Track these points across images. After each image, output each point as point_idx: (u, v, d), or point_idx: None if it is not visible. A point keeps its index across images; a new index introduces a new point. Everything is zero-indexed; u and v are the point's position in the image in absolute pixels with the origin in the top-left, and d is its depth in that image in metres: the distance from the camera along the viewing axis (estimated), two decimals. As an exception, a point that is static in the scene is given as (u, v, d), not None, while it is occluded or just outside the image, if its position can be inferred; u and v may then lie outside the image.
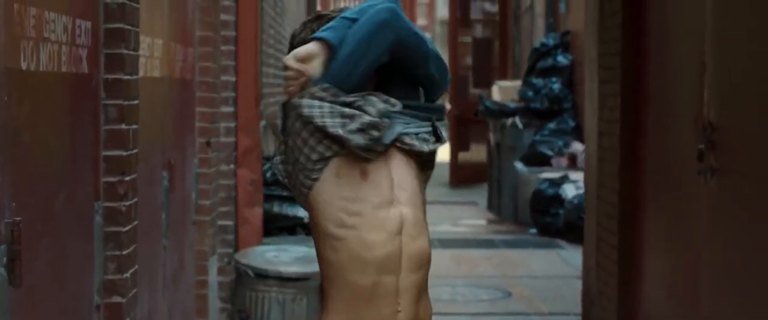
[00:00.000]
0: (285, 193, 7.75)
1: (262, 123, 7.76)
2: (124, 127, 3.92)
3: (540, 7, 17.25)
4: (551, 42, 15.13)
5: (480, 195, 16.57)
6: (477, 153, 18.23)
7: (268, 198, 7.60)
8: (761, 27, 4.74)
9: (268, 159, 7.87)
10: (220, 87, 6.81)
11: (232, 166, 7.08)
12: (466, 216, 15.19)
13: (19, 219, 2.84)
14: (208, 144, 6.47)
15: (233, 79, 7.09)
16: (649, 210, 6.45)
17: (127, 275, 3.99)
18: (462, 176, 18.42)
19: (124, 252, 3.95)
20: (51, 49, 3.21)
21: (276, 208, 7.69)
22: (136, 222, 4.12)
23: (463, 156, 18.53)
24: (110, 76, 3.86)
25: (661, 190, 6.23)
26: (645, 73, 6.47)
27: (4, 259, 2.76)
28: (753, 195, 4.82)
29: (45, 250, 3.24)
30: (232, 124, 7.06)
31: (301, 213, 7.76)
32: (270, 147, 8.16)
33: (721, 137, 5.17)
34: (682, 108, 5.72)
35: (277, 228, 7.65)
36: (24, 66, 2.97)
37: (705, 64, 5.35)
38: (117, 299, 3.93)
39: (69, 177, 3.55)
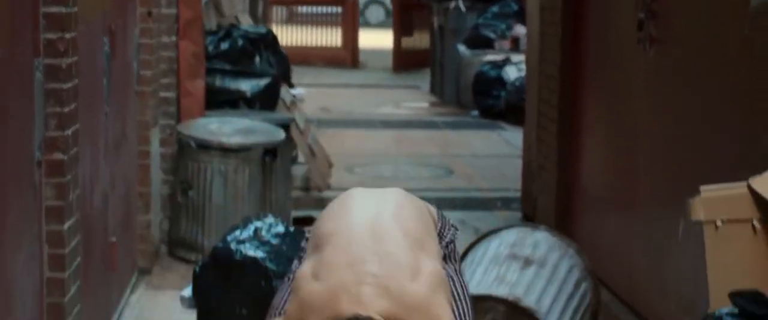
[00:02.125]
0: (228, 67, 7.73)
1: (204, -5, 7.69)
2: (63, -17, 3.88)
3: None
4: None
5: (423, 80, 16.59)
6: (420, 39, 18.17)
7: (211, 71, 7.57)
8: None
9: (209, 32, 7.83)
10: (161, -43, 6.74)
11: (173, 38, 7.03)
12: (409, 99, 15.22)
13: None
14: (149, 14, 6.42)
15: (174, -53, 7.01)
16: (589, 83, 6.51)
17: (68, 132, 3.98)
18: (405, 61, 18.39)
19: (65, 110, 3.94)
20: None
21: (218, 82, 7.66)
22: (76, 81, 4.10)
23: (406, 41, 18.48)
24: (49, -69, 3.81)
25: (601, 63, 6.28)
26: (587, -54, 6.48)
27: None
28: (689, 63, 4.87)
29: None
30: (174, -5, 7.00)
31: (244, 86, 7.75)
32: (212, 21, 8.10)
33: (661, 6, 5.20)
34: (624, -21, 5.75)
35: (219, 101, 7.63)
36: None
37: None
38: (58, 156, 3.93)
39: (7, 33, 3.53)
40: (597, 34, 6.34)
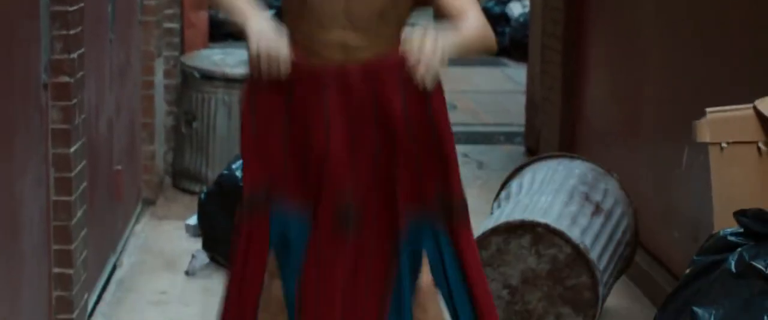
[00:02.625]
0: (231, -1, 7.69)
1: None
2: None
3: None
4: None
5: (426, 18, 16.52)
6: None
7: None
8: None
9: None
10: None
11: (177, -33, 7.02)
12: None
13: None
14: (153, -58, 6.39)
15: None
16: (594, 14, 6.48)
17: (74, 55, 3.98)
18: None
19: (71, 33, 3.93)
20: None
21: (221, 14, 7.63)
22: (82, 4, 4.09)
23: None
24: None
25: (606, -7, 6.26)
26: None
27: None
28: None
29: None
30: (178, -77, 6.97)
31: (247, 19, 7.71)
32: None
33: (668, -66, 5.18)
34: None
35: (222, 34, 7.61)
36: None
37: None
38: (64, 79, 3.93)
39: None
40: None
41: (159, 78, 6.64)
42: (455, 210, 3.17)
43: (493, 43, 3.24)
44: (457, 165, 3.20)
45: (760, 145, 3.38)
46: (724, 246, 3.02)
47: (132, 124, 5.98)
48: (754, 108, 3.38)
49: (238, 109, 6.68)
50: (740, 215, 3.01)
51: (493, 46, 3.25)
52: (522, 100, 8.34)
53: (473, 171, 7.51)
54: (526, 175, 5.03)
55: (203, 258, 5.42)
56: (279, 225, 3.16)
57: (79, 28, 4.04)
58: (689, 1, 4.92)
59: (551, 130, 7.16)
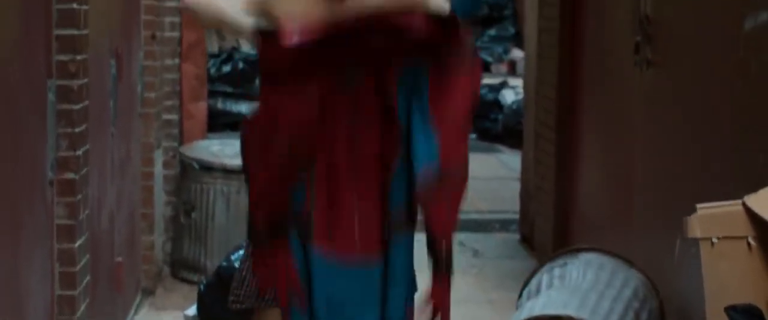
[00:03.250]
0: (229, 90, 7.83)
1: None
2: (75, 6, 3.98)
3: None
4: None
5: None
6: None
7: (213, 94, 7.68)
8: None
9: (211, 55, 7.93)
10: (165, -19, 6.85)
11: (176, 61, 7.14)
12: (406, 122, 15.32)
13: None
14: (153, 36, 6.52)
15: (177, -28, 7.12)
16: (586, 104, 6.61)
17: (80, 153, 4.08)
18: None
19: (77, 130, 4.03)
20: None
21: (220, 104, 7.78)
22: (87, 102, 4.20)
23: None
24: (61, -43, 3.92)
25: (598, 84, 6.39)
26: (584, -30, 6.60)
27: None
28: (685, 84, 4.98)
29: (10, 121, 3.33)
30: (177, 19, 7.10)
31: (245, 109, 7.85)
32: (214, 44, 8.21)
33: (657, 30, 5.31)
34: (620, 2, 5.85)
35: (220, 124, 7.73)
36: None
37: (643, -43, 5.48)
38: (70, 175, 4.03)
39: (22, 54, 3.62)
40: (594, 57, 6.45)
41: (158, 169, 6.74)
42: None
43: None
44: None
45: (750, 240, 3.46)
46: (716, 340, 3.10)
47: (132, 215, 6.06)
48: (743, 204, 3.48)
49: (235, 199, 6.81)
50: (731, 310, 3.09)
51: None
52: (516, 186, 8.44)
53: (468, 260, 7.59)
54: (578, 266, 4.96)
55: (203, 349, 5.47)
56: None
57: (83, 126, 4.14)
58: (680, 94, 5.04)
59: (545, 219, 7.25)
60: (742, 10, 4.17)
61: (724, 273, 3.45)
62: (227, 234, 6.76)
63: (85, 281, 4.23)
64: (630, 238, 5.64)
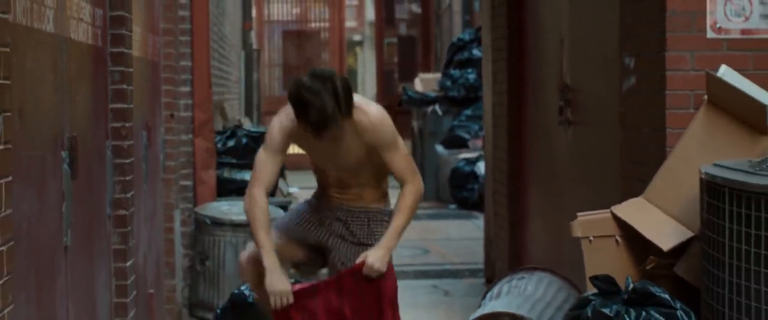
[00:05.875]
0: (234, 161, 9.23)
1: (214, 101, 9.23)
2: (124, 86, 5.39)
3: (457, 6, 18.82)
4: (467, 37, 16.61)
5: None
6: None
7: (220, 165, 9.09)
8: (598, 13, 6.30)
9: (218, 132, 9.35)
10: (180, 70, 8.27)
11: (190, 136, 8.54)
12: (394, 197, 16.66)
13: (75, 134, 4.32)
14: (172, 116, 7.92)
15: (190, 64, 8.55)
16: (529, 161, 8.01)
17: (129, 195, 5.46)
18: (390, 164, 19.83)
19: (127, 178, 5.41)
20: (84, 27, 4.68)
21: (226, 173, 9.17)
22: (133, 158, 5.59)
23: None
24: (115, 50, 5.33)
25: (536, 144, 7.79)
26: (524, 52, 8.04)
27: (68, 159, 4.23)
28: (594, 138, 6.37)
29: (83, 167, 4.70)
30: (190, 101, 8.52)
31: (248, 177, 9.23)
32: (219, 123, 9.62)
33: (574, 96, 6.72)
34: (549, 75, 7.28)
35: (227, 190, 9.12)
36: (73, 36, 4.44)
37: (563, 41, 6.91)
38: (122, 212, 5.39)
39: (91, 123, 5.01)
40: (533, 121, 7.86)
41: (177, 226, 8.10)
42: None
43: (419, 198, 5.34)
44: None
45: (617, 238, 4.84)
46: (585, 301, 4.47)
47: (158, 261, 7.41)
48: (611, 212, 4.85)
49: (242, 249, 8.17)
50: (593, 279, 4.46)
51: (420, 197, 5.35)
52: (486, 243, 9.80)
53: (439, 298, 8.92)
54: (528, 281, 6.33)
55: (220, 361, 6.81)
56: None
57: (131, 176, 5.53)
58: (592, 146, 6.42)
59: (502, 262, 8.60)
60: (622, 76, 5.58)
61: (598, 261, 4.81)
62: (236, 279, 8.11)
63: (133, 293, 5.59)
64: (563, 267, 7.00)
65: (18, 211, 3.36)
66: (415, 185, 5.27)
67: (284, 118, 5.26)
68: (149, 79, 6.97)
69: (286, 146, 5.32)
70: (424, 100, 16.64)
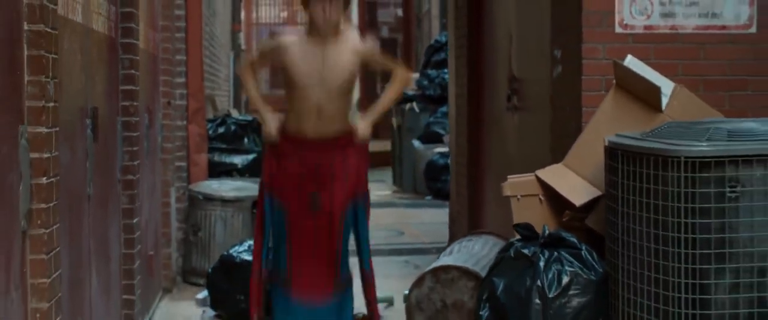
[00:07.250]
0: (224, 146, 10.26)
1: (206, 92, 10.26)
2: (132, 72, 6.40)
3: (435, 10, 19.80)
4: (443, 39, 17.43)
5: (387, 175, 19.09)
6: (383, 144, 20.64)
7: (211, 149, 10.11)
8: (537, 13, 7.32)
9: (209, 120, 10.36)
10: (176, 63, 9.29)
11: (184, 122, 9.55)
12: (375, 189, 17.60)
13: (96, 106, 5.34)
14: (169, 103, 8.93)
15: (184, 57, 9.57)
16: (484, 144, 9.04)
17: (136, 163, 6.47)
18: (372, 161, 20.75)
19: (134, 149, 6.43)
20: (102, 20, 5.70)
21: (217, 157, 10.20)
22: (139, 132, 6.60)
23: (372, 145, 20.82)
24: (124, 40, 6.35)
25: (490, 128, 8.82)
26: (482, 49, 9.07)
27: (91, 125, 5.25)
28: (535, 121, 7.40)
29: (101, 134, 5.72)
30: (184, 91, 9.53)
31: (236, 160, 10.25)
32: (210, 113, 10.64)
33: (520, 85, 7.75)
34: (500, 68, 8.31)
35: (217, 172, 10.15)
36: (94, 27, 5.46)
37: (511, 37, 7.95)
38: (130, 177, 6.41)
39: (107, 98, 6.02)
40: (489, 110, 8.89)
41: (173, 200, 9.11)
42: (365, 197, 6.23)
43: (407, 82, 6.55)
44: (366, 179, 6.28)
45: (540, 197, 5.86)
46: (509, 245, 5.50)
47: (156, 231, 8.41)
48: (535, 175, 5.88)
49: (231, 222, 9.20)
50: (516, 226, 5.49)
51: (409, 82, 6.60)
52: (453, 225, 10.82)
53: (410, 270, 9.94)
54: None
55: (210, 314, 7.81)
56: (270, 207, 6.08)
57: (137, 147, 6.54)
58: (534, 128, 7.44)
59: (463, 235, 9.61)
60: (552, 66, 6.60)
61: (525, 217, 5.82)
62: (225, 248, 9.10)
63: (138, 247, 6.60)
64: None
65: (62, 155, 4.37)
66: (402, 68, 6.56)
67: (273, 37, 6.34)
68: (150, 69, 7.98)
69: (270, 54, 6.36)
70: (403, 98, 17.56)
